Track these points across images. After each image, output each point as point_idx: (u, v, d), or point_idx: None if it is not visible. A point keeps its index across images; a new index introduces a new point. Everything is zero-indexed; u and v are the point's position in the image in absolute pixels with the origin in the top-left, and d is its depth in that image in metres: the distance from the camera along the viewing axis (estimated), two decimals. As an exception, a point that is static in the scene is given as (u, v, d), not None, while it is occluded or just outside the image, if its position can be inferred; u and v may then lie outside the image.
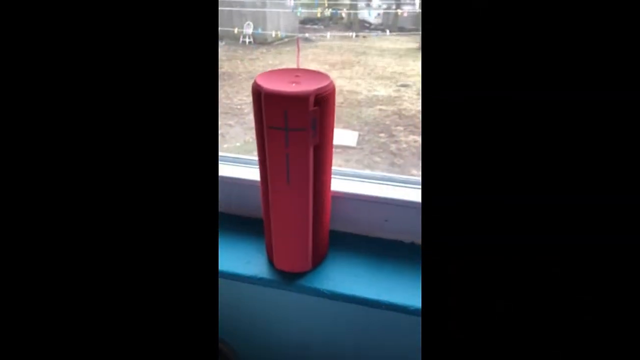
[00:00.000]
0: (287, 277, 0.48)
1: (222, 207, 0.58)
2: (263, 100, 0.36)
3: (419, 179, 0.53)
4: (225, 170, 0.56)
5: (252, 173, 0.55)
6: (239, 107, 3.36)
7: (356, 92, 3.75)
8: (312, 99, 0.36)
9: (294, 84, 0.38)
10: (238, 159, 0.58)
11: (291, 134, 0.37)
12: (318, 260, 0.49)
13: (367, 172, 0.54)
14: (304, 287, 0.47)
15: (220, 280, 0.50)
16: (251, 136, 2.88)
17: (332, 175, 0.54)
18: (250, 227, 0.55)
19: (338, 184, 0.53)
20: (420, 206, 0.50)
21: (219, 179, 0.55)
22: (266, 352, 0.67)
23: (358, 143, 2.99)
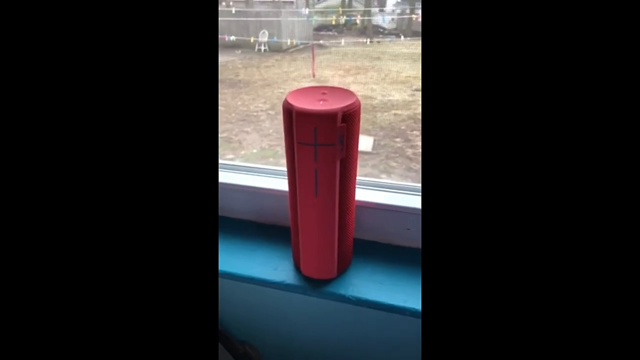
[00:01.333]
0: (313, 284, 0.50)
1: (251, 215, 0.61)
2: (294, 117, 0.39)
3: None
4: (255, 181, 0.58)
5: (281, 184, 0.57)
6: (255, 114, 3.41)
7: (371, 97, 3.76)
8: (340, 116, 0.38)
9: (321, 102, 0.40)
10: (266, 170, 0.60)
11: (320, 149, 0.39)
12: (343, 268, 0.51)
13: (389, 181, 0.56)
14: (330, 293, 0.49)
15: (249, 286, 0.52)
16: (267, 143, 2.92)
17: (356, 185, 0.56)
18: (278, 234, 0.58)
19: (362, 194, 0.55)
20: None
21: (249, 189, 0.58)
22: (291, 355, 0.70)
23: (374, 148, 2.99)
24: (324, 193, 0.42)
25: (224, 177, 0.60)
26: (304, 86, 0.45)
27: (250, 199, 0.59)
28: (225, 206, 0.61)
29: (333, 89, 0.44)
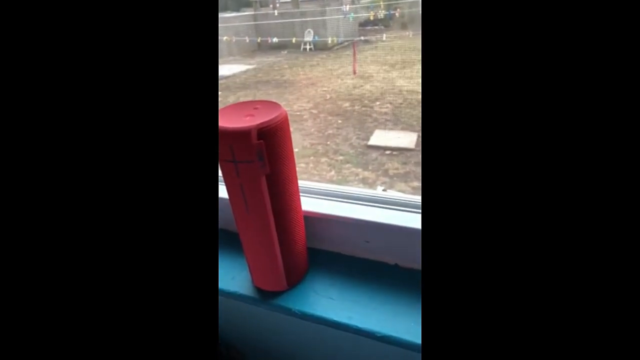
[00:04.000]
0: (265, 295, 0.50)
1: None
2: (213, 135, 0.39)
3: (401, 200, 0.52)
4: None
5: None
6: (298, 113, 3.47)
7: (417, 92, 3.62)
8: (254, 134, 0.38)
9: (248, 117, 0.40)
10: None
11: (240, 166, 0.39)
12: (295, 280, 0.50)
13: (351, 191, 0.55)
14: (278, 307, 0.49)
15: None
16: (309, 142, 2.96)
17: (315, 196, 0.55)
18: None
19: (320, 205, 0.54)
20: (401, 229, 0.49)
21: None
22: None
23: (417, 145, 2.88)
24: (254, 208, 0.42)
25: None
26: (244, 100, 0.45)
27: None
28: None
29: (265, 103, 0.43)
